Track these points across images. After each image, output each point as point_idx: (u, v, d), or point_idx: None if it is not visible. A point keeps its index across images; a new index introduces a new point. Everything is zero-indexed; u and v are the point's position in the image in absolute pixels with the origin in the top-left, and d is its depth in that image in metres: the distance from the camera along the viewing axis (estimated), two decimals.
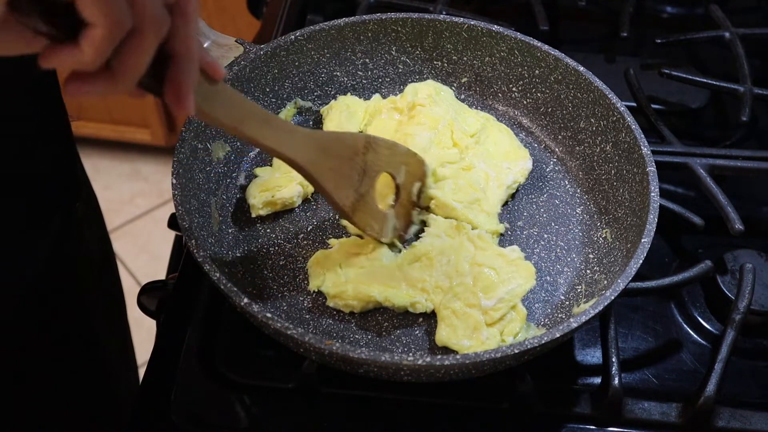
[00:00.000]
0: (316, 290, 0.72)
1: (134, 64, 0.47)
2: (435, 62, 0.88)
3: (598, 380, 0.70)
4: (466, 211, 0.76)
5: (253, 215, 0.78)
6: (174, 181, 0.69)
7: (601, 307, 0.62)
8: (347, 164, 0.69)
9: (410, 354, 0.67)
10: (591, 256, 0.76)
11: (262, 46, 0.81)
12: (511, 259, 0.72)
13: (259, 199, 0.77)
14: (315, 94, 0.87)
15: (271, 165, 0.81)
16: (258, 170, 0.80)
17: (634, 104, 0.90)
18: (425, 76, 0.89)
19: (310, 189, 0.79)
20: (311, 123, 0.87)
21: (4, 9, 0.43)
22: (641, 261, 0.65)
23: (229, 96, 0.60)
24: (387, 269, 0.72)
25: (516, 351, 0.58)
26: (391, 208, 0.75)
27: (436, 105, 0.83)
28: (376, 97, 0.87)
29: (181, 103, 0.51)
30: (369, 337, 0.70)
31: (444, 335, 0.68)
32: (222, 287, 0.62)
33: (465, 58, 0.88)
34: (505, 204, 0.80)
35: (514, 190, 0.81)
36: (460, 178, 0.78)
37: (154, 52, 0.47)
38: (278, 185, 0.78)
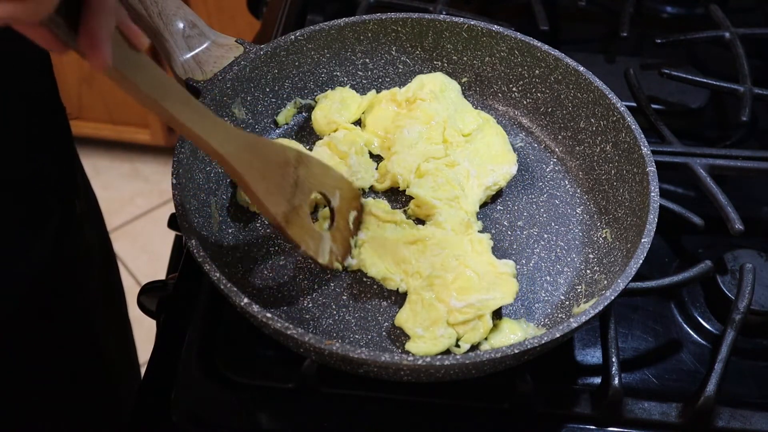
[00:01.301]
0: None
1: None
2: (435, 62, 0.88)
3: (598, 380, 0.71)
4: (445, 208, 0.76)
5: (252, 209, 0.78)
6: (174, 181, 0.69)
7: (601, 307, 0.62)
8: (278, 171, 0.66)
9: (410, 354, 0.67)
10: (591, 256, 0.76)
11: (262, 46, 0.81)
12: (499, 272, 0.71)
13: None
14: (315, 94, 0.87)
15: None
16: None
17: (634, 104, 0.90)
18: None
19: None
20: (311, 121, 0.86)
21: None
22: (641, 261, 0.65)
23: (153, 70, 0.57)
24: (383, 240, 0.74)
25: (516, 351, 0.58)
26: (326, 231, 0.72)
27: (436, 101, 0.83)
28: (371, 92, 0.87)
29: (95, 50, 0.50)
30: (369, 337, 0.70)
31: (404, 317, 0.69)
32: (222, 287, 0.62)
33: (465, 58, 0.88)
34: (505, 204, 0.81)
35: (494, 192, 0.80)
36: (440, 175, 0.78)
37: None
38: None
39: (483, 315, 0.68)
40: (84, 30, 0.49)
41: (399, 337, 0.70)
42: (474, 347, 0.69)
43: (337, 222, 0.73)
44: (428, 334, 0.68)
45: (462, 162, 0.80)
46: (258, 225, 0.77)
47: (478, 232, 0.75)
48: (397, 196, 0.80)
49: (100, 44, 0.50)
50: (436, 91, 0.84)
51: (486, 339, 0.69)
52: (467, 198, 0.78)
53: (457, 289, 0.69)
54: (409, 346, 0.68)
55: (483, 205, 0.80)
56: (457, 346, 0.68)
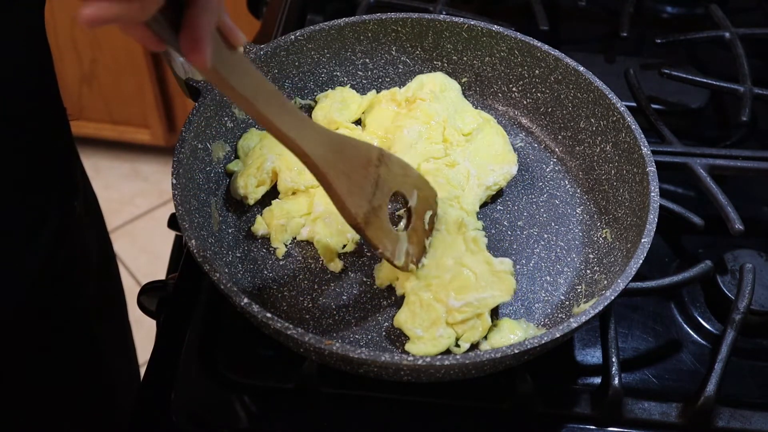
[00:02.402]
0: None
1: None
2: (435, 62, 0.88)
3: (598, 380, 0.71)
4: (444, 208, 0.76)
5: (251, 203, 0.78)
6: (174, 181, 0.69)
7: (601, 307, 0.62)
8: (361, 172, 0.65)
9: (410, 354, 0.67)
10: (591, 256, 0.76)
11: (262, 46, 0.81)
12: (496, 270, 0.71)
13: (247, 182, 0.77)
14: (315, 94, 0.87)
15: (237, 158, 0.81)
16: (231, 166, 0.80)
17: (634, 104, 0.90)
18: None
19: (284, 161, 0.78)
20: None
21: None
22: (641, 261, 0.65)
23: (248, 69, 0.57)
24: None
25: (516, 351, 0.58)
26: (403, 232, 0.71)
27: (436, 101, 0.83)
28: (371, 92, 0.87)
29: (196, 49, 0.49)
30: (369, 337, 0.70)
31: (402, 318, 0.69)
32: (222, 287, 0.62)
33: (465, 58, 0.88)
34: (505, 204, 0.81)
35: (494, 192, 0.81)
36: (440, 175, 0.78)
37: None
38: (256, 165, 0.78)
39: (482, 314, 0.68)
40: (186, 29, 0.49)
41: (399, 337, 0.70)
42: (474, 346, 0.69)
43: (414, 222, 0.71)
44: (427, 334, 0.68)
45: (462, 162, 0.80)
46: (258, 225, 0.77)
47: (478, 231, 0.75)
48: (396, 196, 0.80)
49: (202, 44, 0.50)
50: (436, 91, 0.84)
51: (486, 339, 0.69)
52: (467, 198, 0.78)
53: (455, 289, 0.69)
54: (409, 347, 0.68)
55: (483, 205, 0.80)
56: (457, 345, 0.68)
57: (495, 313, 0.72)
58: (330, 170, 0.62)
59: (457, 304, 0.68)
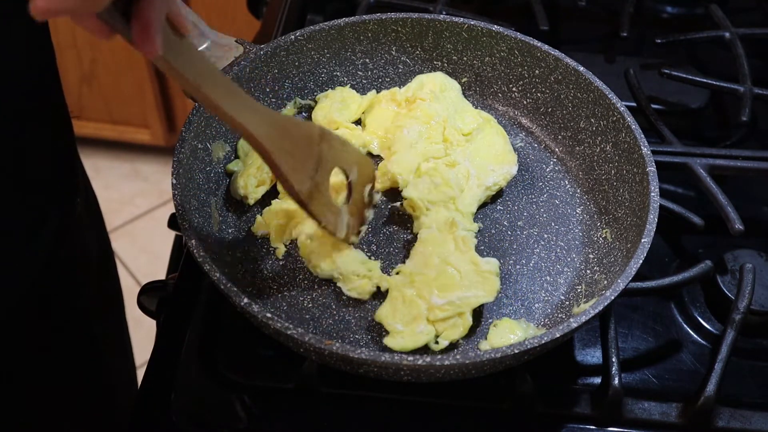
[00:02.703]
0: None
1: None
2: (435, 62, 0.88)
3: (598, 380, 0.71)
4: (439, 209, 0.76)
5: (251, 203, 0.78)
6: (174, 181, 0.69)
7: (601, 307, 0.62)
8: (304, 150, 0.68)
9: (410, 354, 0.67)
10: (591, 256, 0.76)
11: (262, 46, 0.81)
12: (481, 269, 0.71)
13: (247, 183, 0.77)
14: (315, 94, 0.87)
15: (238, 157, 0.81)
16: (231, 166, 0.80)
17: (634, 104, 0.90)
18: None
19: None
20: (311, 120, 0.86)
21: None
22: (641, 261, 0.65)
23: (195, 55, 0.59)
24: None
25: (516, 351, 0.58)
26: (344, 205, 0.74)
27: (436, 101, 0.83)
28: (371, 92, 0.87)
29: (147, 40, 0.51)
30: (369, 337, 0.70)
31: (384, 312, 0.69)
32: (222, 287, 0.62)
33: (465, 58, 0.88)
34: (505, 204, 0.81)
35: (494, 192, 0.81)
36: (437, 176, 0.78)
37: None
38: (256, 165, 0.78)
39: (463, 313, 0.69)
40: (137, 20, 0.51)
41: None
42: (452, 345, 0.69)
43: (354, 196, 0.74)
44: (408, 329, 0.68)
45: (462, 162, 0.80)
46: (258, 225, 0.77)
47: (468, 231, 0.75)
48: (396, 196, 0.80)
49: (152, 35, 0.51)
50: (436, 91, 0.84)
51: (486, 339, 0.69)
52: (464, 199, 0.78)
53: (439, 287, 0.69)
54: (387, 341, 0.68)
55: (483, 205, 0.80)
56: (436, 342, 0.68)
57: (497, 314, 0.72)
58: (275, 149, 0.65)
59: (440, 301, 0.69)
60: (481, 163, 0.80)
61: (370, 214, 0.77)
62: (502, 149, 0.82)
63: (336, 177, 0.73)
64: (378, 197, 0.78)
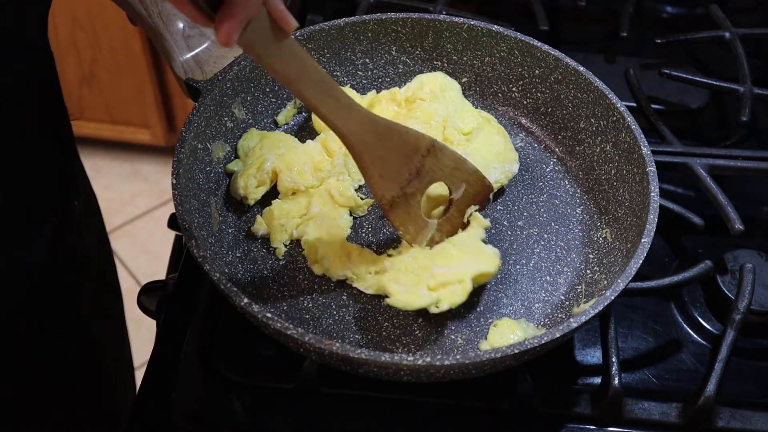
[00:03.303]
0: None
1: None
2: (435, 62, 0.88)
3: (598, 380, 0.70)
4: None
5: (251, 203, 0.78)
6: (174, 181, 0.69)
7: (601, 307, 0.62)
8: (401, 159, 0.69)
9: (410, 354, 0.67)
10: (591, 256, 0.76)
11: None
12: (484, 251, 0.72)
13: (247, 183, 0.77)
14: None
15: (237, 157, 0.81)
16: (231, 166, 0.80)
17: (634, 104, 0.90)
18: None
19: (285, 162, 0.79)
20: (311, 121, 0.86)
21: None
22: (641, 261, 0.65)
23: (295, 52, 0.61)
24: None
25: (516, 351, 0.58)
26: (436, 219, 0.74)
27: (436, 101, 0.83)
28: (371, 92, 0.87)
29: (222, 29, 0.54)
30: (369, 337, 0.70)
31: (386, 279, 0.69)
32: (222, 287, 0.62)
33: (465, 58, 0.88)
34: (505, 204, 0.81)
35: (495, 190, 0.80)
36: None
37: None
38: (256, 165, 0.78)
39: (463, 279, 0.69)
40: (223, 9, 0.54)
41: (399, 337, 0.70)
42: (452, 345, 0.69)
43: (451, 213, 0.74)
44: (410, 291, 0.68)
45: None
46: (258, 225, 0.77)
47: (479, 218, 0.75)
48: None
49: (232, 25, 0.54)
50: (435, 91, 0.84)
51: (486, 339, 0.69)
52: None
53: (440, 259, 0.70)
54: (390, 300, 0.68)
55: None
56: (436, 306, 0.68)
57: (497, 315, 0.72)
58: (366, 152, 0.67)
59: (441, 270, 0.69)
60: (482, 162, 0.80)
61: (461, 233, 0.75)
62: (503, 148, 0.82)
63: (439, 188, 0.74)
64: (485, 222, 0.75)
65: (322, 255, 0.74)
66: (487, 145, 0.82)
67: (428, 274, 0.69)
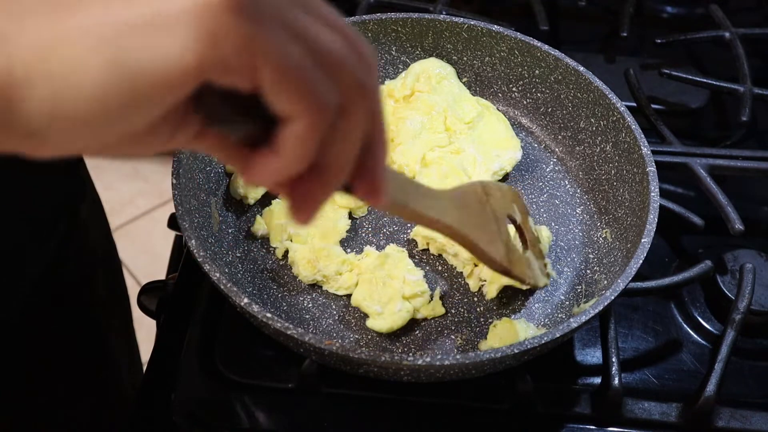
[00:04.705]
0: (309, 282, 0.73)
1: (346, 152, 0.37)
2: None
3: (598, 380, 0.70)
4: None
5: (251, 203, 0.78)
6: (174, 181, 0.69)
7: (601, 307, 0.62)
8: (483, 216, 0.63)
9: (410, 354, 0.67)
10: (591, 256, 0.76)
11: None
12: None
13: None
14: None
15: None
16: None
17: (634, 104, 0.90)
18: None
19: None
20: None
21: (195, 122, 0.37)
22: (641, 261, 0.65)
23: (396, 176, 0.55)
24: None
25: (516, 351, 0.58)
26: (528, 251, 0.69)
27: (435, 93, 0.83)
28: None
29: (376, 193, 0.43)
30: (369, 337, 0.70)
31: (360, 296, 0.70)
32: (222, 287, 0.62)
33: (465, 58, 0.88)
34: None
35: (500, 178, 0.81)
36: (444, 164, 0.78)
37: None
38: None
39: (435, 295, 0.70)
40: (364, 173, 0.42)
41: (399, 336, 0.70)
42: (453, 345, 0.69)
43: (527, 236, 0.70)
44: (386, 310, 0.69)
45: (467, 148, 0.80)
46: (258, 225, 0.77)
47: None
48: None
49: (380, 186, 0.43)
50: (432, 83, 0.84)
51: (486, 339, 0.69)
52: None
53: (409, 266, 0.71)
54: (370, 323, 0.69)
55: None
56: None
57: (497, 315, 0.72)
58: (469, 231, 0.61)
59: (413, 278, 0.70)
60: (485, 149, 0.81)
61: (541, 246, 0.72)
62: (505, 135, 0.82)
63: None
64: (548, 232, 0.73)
65: (293, 260, 0.74)
66: (490, 133, 0.82)
67: (400, 282, 0.70)
